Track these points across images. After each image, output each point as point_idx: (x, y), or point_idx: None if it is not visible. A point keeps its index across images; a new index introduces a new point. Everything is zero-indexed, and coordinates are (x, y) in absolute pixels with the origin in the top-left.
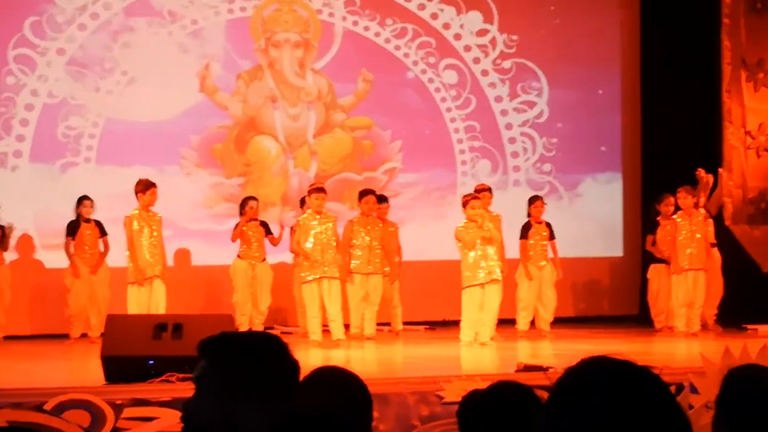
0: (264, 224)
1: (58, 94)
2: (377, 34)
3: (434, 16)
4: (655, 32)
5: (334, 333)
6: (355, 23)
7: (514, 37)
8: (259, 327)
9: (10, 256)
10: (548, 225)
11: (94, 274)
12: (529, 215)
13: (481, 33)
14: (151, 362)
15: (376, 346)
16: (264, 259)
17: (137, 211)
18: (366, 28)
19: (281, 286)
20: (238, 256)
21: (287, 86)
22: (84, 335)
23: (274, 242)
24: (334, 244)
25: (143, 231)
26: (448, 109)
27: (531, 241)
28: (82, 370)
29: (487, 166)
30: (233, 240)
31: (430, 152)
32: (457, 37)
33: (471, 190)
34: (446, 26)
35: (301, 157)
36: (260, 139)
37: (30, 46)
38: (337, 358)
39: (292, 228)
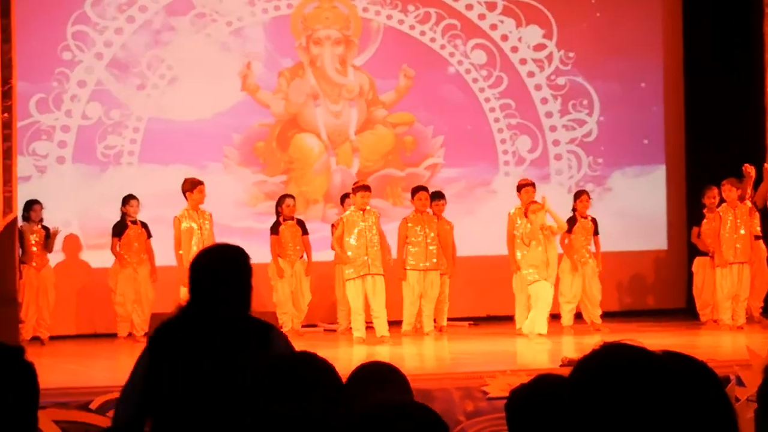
0: (300, 223)
1: (99, 97)
2: (422, 33)
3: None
4: (698, 23)
5: (378, 329)
6: (401, 22)
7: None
8: (298, 325)
9: (56, 256)
10: (593, 220)
11: (138, 274)
12: (574, 210)
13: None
14: None
15: (419, 342)
16: (302, 257)
17: (186, 211)
18: (411, 27)
19: (321, 284)
20: (277, 254)
21: (329, 83)
22: (130, 334)
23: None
24: (377, 240)
25: (192, 230)
26: (492, 109)
27: (575, 236)
28: (127, 368)
29: (529, 160)
30: (271, 242)
31: (472, 147)
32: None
33: (512, 187)
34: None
35: (344, 154)
36: (302, 136)
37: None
38: (381, 354)
39: (332, 225)
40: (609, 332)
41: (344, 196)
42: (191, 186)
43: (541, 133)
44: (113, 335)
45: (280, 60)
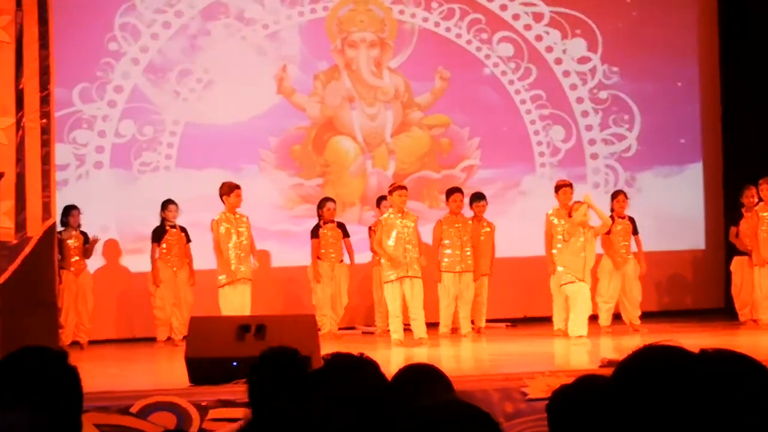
0: (341, 225)
1: (137, 100)
2: (458, 36)
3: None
4: (734, 21)
5: (416, 332)
6: (437, 24)
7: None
8: (335, 328)
9: (95, 261)
10: (631, 219)
11: (177, 278)
12: (612, 210)
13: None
14: (234, 364)
15: (457, 344)
16: (341, 260)
17: (223, 214)
18: (447, 29)
19: (360, 286)
20: (317, 257)
21: (364, 86)
22: (169, 338)
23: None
24: (415, 242)
25: (230, 234)
26: (528, 111)
27: (614, 236)
28: (166, 372)
29: (566, 161)
30: (312, 245)
31: (508, 149)
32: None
33: (549, 188)
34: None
35: (380, 157)
36: (338, 139)
37: (112, 55)
38: (419, 356)
39: (370, 228)
40: (648, 333)
41: (380, 199)
42: (229, 190)
43: (577, 131)
44: (152, 339)
45: (315, 63)
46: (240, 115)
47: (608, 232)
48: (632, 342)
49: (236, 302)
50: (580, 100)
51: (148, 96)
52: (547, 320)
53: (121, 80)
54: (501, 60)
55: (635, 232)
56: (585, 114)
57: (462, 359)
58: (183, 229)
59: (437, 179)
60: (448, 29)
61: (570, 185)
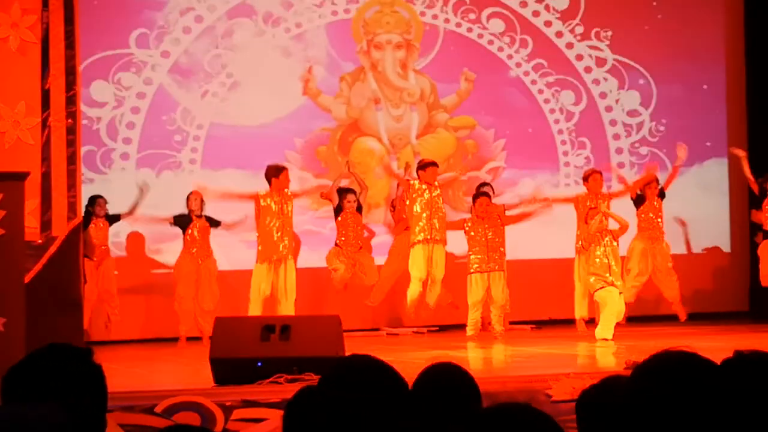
0: (359, 209)
1: (163, 100)
2: (480, 36)
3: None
4: (760, 23)
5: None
6: (459, 25)
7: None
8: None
9: (118, 258)
10: (660, 192)
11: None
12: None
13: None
14: (259, 364)
15: (483, 345)
16: (361, 248)
17: (268, 191)
18: (469, 29)
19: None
20: (336, 245)
21: (390, 87)
22: (194, 338)
23: None
24: (443, 211)
25: (270, 208)
26: (552, 110)
27: (647, 216)
28: (191, 372)
29: (591, 164)
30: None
31: (533, 151)
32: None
33: (573, 190)
34: (603, 95)
35: (405, 158)
36: (364, 140)
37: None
38: (444, 357)
39: (392, 203)
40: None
41: (393, 203)
42: (276, 171)
43: (603, 135)
44: (176, 339)
45: (341, 64)
46: (265, 117)
47: (642, 212)
48: (653, 345)
49: (269, 279)
50: (603, 95)
51: (174, 96)
52: (571, 323)
53: (147, 80)
54: (525, 61)
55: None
56: (611, 115)
57: (487, 361)
58: (208, 219)
59: (462, 181)
60: (470, 30)
61: (600, 172)
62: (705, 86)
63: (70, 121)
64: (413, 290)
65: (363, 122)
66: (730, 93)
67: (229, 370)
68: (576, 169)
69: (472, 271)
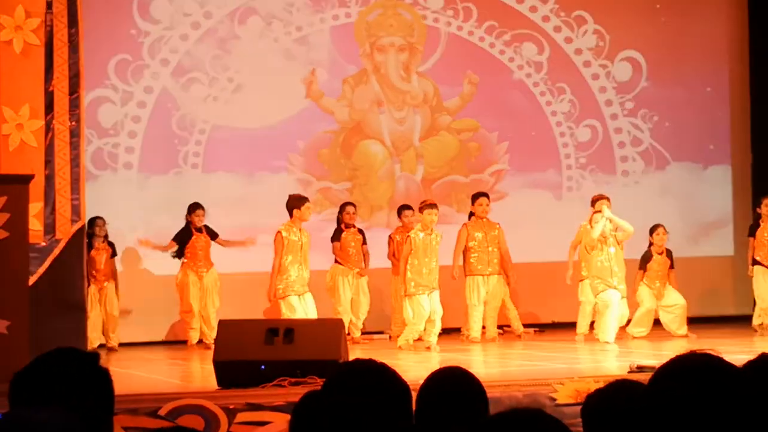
0: (361, 232)
1: (166, 103)
2: (481, 39)
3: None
4: (764, 28)
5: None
6: (460, 28)
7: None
8: (357, 333)
9: (122, 263)
10: (669, 254)
11: (202, 282)
12: (650, 244)
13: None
14: (263, 367)
15: (485, 348)
16: (360, 269)
17: (290, 224)
18: (470, 32)
19: (380, 293)
20: (336, 262)
21: (393, 90)
22: (200, 341)
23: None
24: (437, 258)
25: (295, 243)
26: (554, 113)
27: (650, 272)
28: (195, 375)
29: (593, 166)
30: (333, 249)
31: (536, 154)
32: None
33: (576, 193)
34: (608, 103)
35: (408, 161)
36: (367, 143)
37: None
38: (447, 361)
39: (390, 237)
40: (697, 339)
41: (401, 208)
42: (299, 203)
43: (606, 135)
44: (182, 342)
45: (344, 67)
46: (268, 119)
47: (645, 269)
48: (659, 348)
49: (308, 311)
50: (609, 103)
51: (176, 98)
52: (575, 326)
53: (150, 82)
54: (527, 64)
55: (671, 266)
56: (614, 117)
57: (490, 364)
58: (209, 230)
59: (465, 183)
60: (470, 32)
61: (607, 198)
62: (708, 89)
63: (73, 123)
64: (409, 335)
65: (366, 125)
66: (733, 96)
67: (233, 373)
68: (578, 172)
69: (470, 273)
